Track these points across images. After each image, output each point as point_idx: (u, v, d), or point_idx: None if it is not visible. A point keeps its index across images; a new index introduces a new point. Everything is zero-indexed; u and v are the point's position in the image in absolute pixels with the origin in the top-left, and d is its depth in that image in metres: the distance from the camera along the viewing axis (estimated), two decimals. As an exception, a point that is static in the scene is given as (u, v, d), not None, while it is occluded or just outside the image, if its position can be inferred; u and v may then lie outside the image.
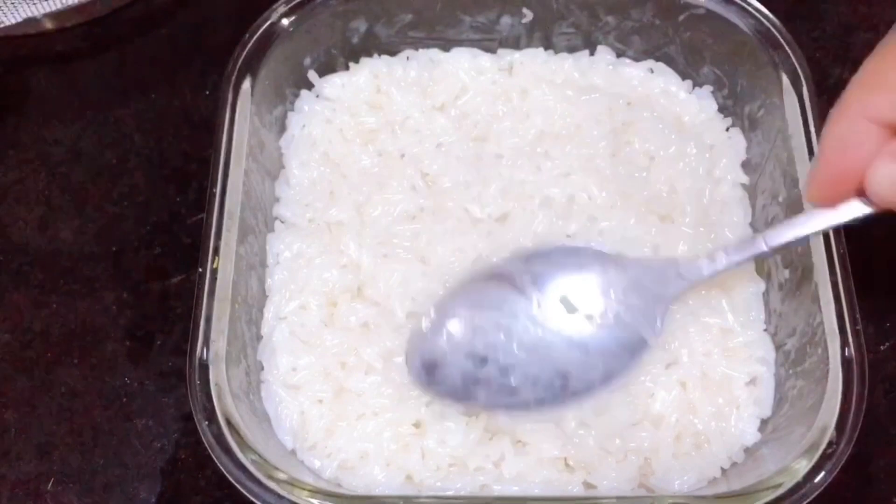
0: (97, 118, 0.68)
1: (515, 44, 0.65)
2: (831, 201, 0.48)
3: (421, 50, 0.65)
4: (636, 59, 0.65)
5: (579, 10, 0.63)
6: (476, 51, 0.65)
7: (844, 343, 0.50)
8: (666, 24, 0.63)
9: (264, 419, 0.54)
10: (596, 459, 0.52)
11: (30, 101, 0.69)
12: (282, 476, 0.48)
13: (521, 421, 0.52)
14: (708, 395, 0.54)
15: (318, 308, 0.56)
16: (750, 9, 0.60)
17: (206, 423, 0.49)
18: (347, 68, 0.65)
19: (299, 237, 0.59)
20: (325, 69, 0.64)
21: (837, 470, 0.47)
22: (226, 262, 0.53)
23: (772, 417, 0.54)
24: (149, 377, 0.59)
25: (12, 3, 0.66)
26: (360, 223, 0.59)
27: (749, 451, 0.53)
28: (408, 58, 0.65)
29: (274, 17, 0.60)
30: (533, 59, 0.64)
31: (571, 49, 0.65)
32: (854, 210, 0.47)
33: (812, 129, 0.56)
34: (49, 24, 0.70)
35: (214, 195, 0.54)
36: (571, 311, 0.53)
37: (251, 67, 0.59)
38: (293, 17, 0.61)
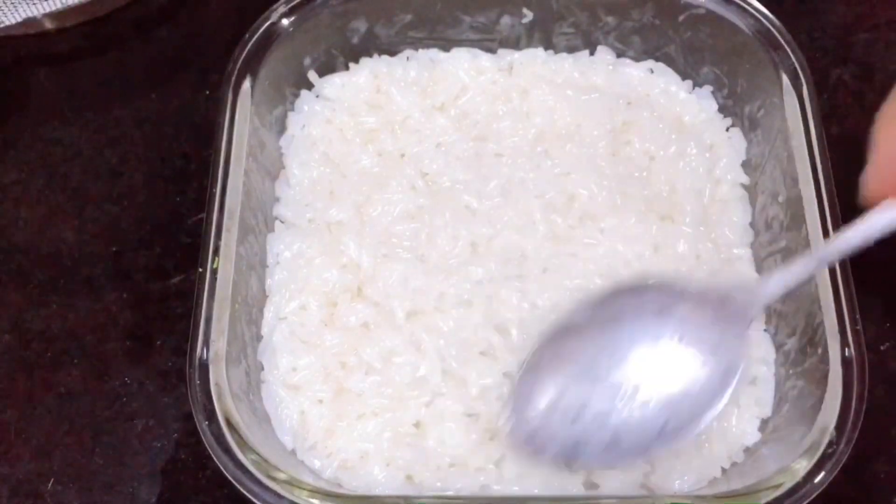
0: (97, 118, 0.68)
1: (515, 44, 0.65)
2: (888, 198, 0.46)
3: (421, 50, 0.65)
4: (636, 60, 0.65)
5: (579, 10, 0.63)
6: (476, 51, 0.65)
7: (844, 343, 0.50)
8: (666, 24, 0.63)
9: (264, 419, 0.54)
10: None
11: (30, 101, 0.69)
12: (282, 476, 0.48)
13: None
14: (708, 395, 0.54)
15: (318, 308, 0.56)
16: (750, 9, 0.60)
17: (206, 423, 0.49)
18: (347, 68, 0.65)
19: (299, 237, 0.59)
20: (325, 69, 0.64)
21: (837, 470, 0.47)
22: (226, 262, 0.53)
23: (772, 417, 0.54)
24: (149, 377, 0.59)
25: (12, 3, 0.66)
26: (360, 223, 0.59)
27: (749, 451, 0.53)
28: (408, 58, 0.65)
29: (274, 17, 0.60)
30: (533, 59, 0.64)
31: (571, 49, 0.65)
32: None
33: (812, 129, 0.56)
34: (49, 24, 0.70)
35: (214, 195, 0.54)
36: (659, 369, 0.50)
37: (251, 67, 0.59)
38: (293, 17, 0.61)
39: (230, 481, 0.47)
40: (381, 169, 0.61)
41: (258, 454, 0.48)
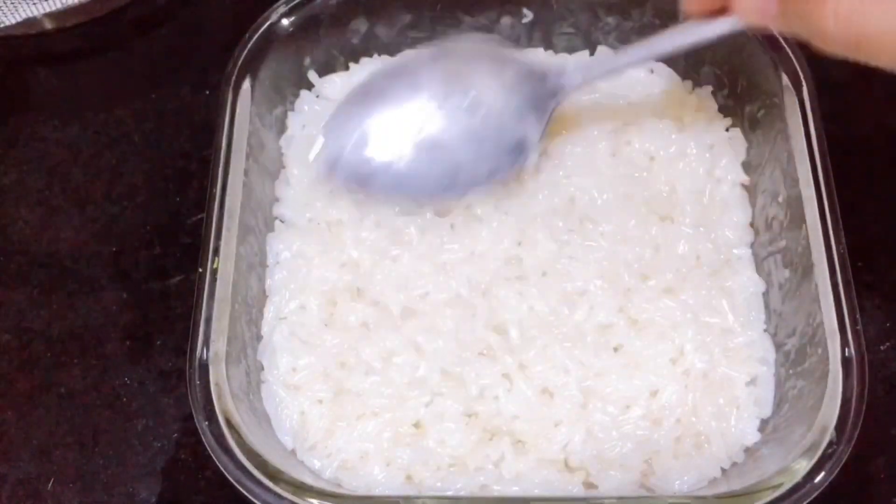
0: (97, 118, 0.68)
1: (515, 44, 0.65)
2: (706, 14, 0.51)
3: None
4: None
5: (579, 10, 0.63)
6: (476, 50, 0.65)
7: (844, 343, 0.50)
8: (666, 24, 0.63)
9: (264, 419, 0.54)
10: (596, 459, 0.52)
11: (30, 101, 0.69)
12: (282, 476, 0.48)
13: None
14: (708, 395, 0.54)
15: (317, 308, 0.56)
16: (750, 9, 0.60)
17: (206, 423, 0.49)
18: (347, 68, 0.65)
19: (299, 237, 0.59)
20: (325, 69, 0.64)
21: (837, 470, 0.47)
22: (226, 262, 0.53)
23: (772, 417, 0.54)
24: (149, 377, 0.59)
25: (12, 3, 0.66)
26: (360, 222, 0.59)
27: (749, 451, 0.53)
28: (408, 58, 0.65)
29: (274, 17, 0.60)
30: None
31: (571, 49, 0.65)
32: (726, 25, 0.50)
33: (812, 129, 0.56)
34: (49, 24, 0.70)
35: (214, 195, 0.54)
36: (469, 108, 0.55)
37: (251, 67, 0.59)
38: (293, 17, 0.61)
39: (230, 481, 0.47)
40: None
41: (258, 454, 0.48)
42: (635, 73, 0.64)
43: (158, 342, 0.60)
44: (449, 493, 0.51)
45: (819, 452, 0.47)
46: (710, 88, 0.64)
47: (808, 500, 0.47)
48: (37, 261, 0.63)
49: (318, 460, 0.53)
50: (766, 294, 0.57)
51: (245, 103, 0.58)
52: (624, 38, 0.64)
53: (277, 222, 0.60)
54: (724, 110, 0.64)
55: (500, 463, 0.52)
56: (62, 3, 0.68)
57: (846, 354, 0.49)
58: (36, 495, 0.56)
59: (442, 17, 0.63)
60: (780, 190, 0.57)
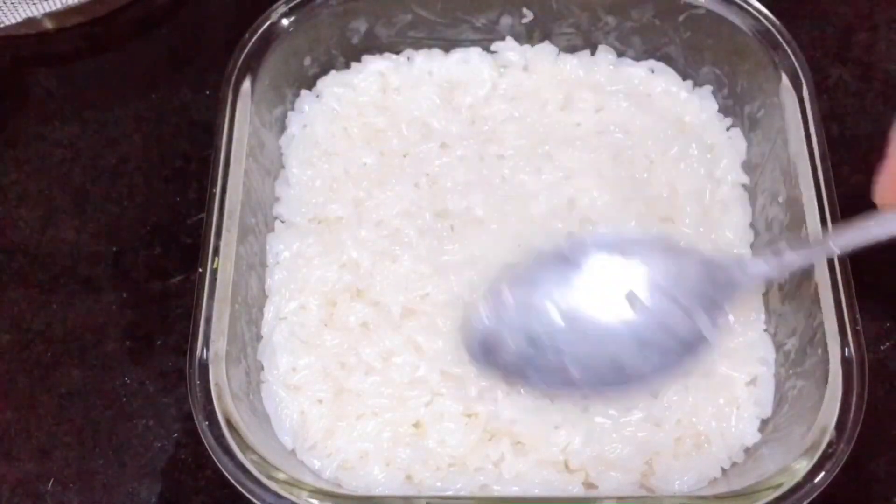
0: (97, 118, 0.68)
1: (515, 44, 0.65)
2: None
3: (421, 50, 0.65)
4: (637, 59, 0.65)
5: (579, 10, 0.63)
6: (477, 50, 0.65)
7: (844, 343, 0.50)
8: (666, 24, 0.63)
9: (264, 419, 0.54)
10: (596, 460, 0.52)
11: (30, 101, 0.69)
12: (282, 476, 0.48)
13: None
14: (708, 395, 0.54)
15: (317, 308, 0.56)
16: (750, 9, 0.60)
17: (206, 423, 0.49)
18: (347, 68, 0.65)
19: (299, 237, 0.59)
20: (325, 69, 0.64)
21: (837, 470, 0.47)
22: (226, 262, 0.53)
23: (772, 417, 0.54)
24: (149, 377, 0.59)
25: (12, 3, 0.66)
26: (360, 221, 0.59)
27: (749, 452, 0.53)
28: (408, 58, 0.65)
29: (274, 17, 0.60)
30: (535, 59, 0.64)
31: (571, 49, 0.65)
32: None
33: (812, 129, 0.56)
34: (49, 24, 0.70)
35: (214, 195, 0.54)
36: (632, 301, 0.52)
37: (251, 67, 0.59)
38: (293, 17, 0.61)
39: (230, 481, 0.47)
40: (382, 168, 0.61)
41: (258, 454, 0.48)
42: (635, 72, 0.64)
43: (158, 342, 0.60)
44: (449, 493, 0.51)
45: (819, 452, 0.47)
46: (710, 88, 0.64)
47: (808, 500, 0.47)
48: (37, 261, 0.63)
49: (318, 460, 0.53)
50: (766, 294, 0.57)
51: (245, 103, 0.58)
52: (624, 39, 0.64)
53: (277, 222, 0.60)
54: (724, 110, 0.64)
55: (500, 463, 0.52)
56: (62, 3, 0.68)
57: (846, 354, 0.49)
58: (36, 495, 0.56)
59: (442, 17, 0.63)
60: (780, 190, 0.57)
